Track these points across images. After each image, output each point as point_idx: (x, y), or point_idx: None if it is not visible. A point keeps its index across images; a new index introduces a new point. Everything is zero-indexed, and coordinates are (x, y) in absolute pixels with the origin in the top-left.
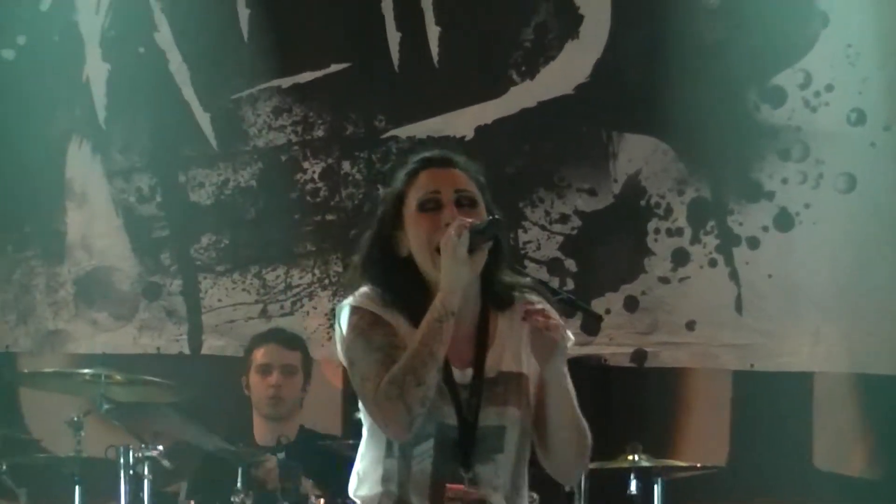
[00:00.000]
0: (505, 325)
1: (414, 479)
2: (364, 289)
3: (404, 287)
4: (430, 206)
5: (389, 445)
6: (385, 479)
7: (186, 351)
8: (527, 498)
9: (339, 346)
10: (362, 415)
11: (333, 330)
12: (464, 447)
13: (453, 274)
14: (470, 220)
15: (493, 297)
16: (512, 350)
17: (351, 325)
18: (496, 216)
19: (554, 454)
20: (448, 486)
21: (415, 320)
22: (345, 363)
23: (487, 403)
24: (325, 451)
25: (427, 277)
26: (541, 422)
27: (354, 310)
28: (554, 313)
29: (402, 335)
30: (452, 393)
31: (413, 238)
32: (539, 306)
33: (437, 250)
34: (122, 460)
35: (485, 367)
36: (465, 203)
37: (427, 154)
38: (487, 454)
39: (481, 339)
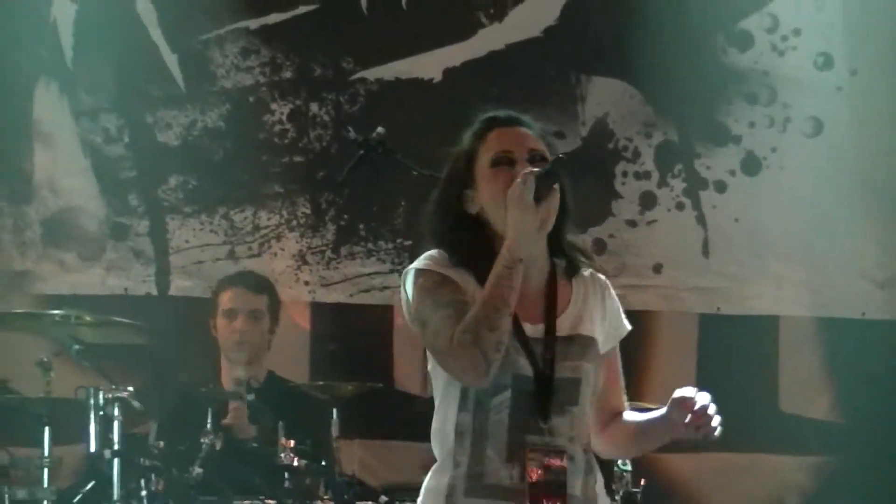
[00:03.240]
0: (579, 292)
1: (491, 430)
2: (429, 252)
3: (473, 244)
4: (504, 160)
5: (464, 399)
6: (459, 433)
7: (154, 292)
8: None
9: (406, 311)
10: (434, 373)
11: (403, 291)
12: (540, 398)
13: (520, 221)
14: (535, 168)
15: (562, 258)
16: (588, 317)
17: (418, 287)
18: (560, 154)
19: (617, 451)
20: (528, 439)
21: (483, 278)
22: (415, 326)
23: (562, 358)
24: (294, 394)
25: (498, 234)
26: (617, 423)
27: (420, 272)
28: (713, 410)
29: (471, 292)
30: (525, 346)
31: (486, 193)
32: (704, 406)
33: None
34: (91, 401)
35: (556, 323)
36: (538, 159)
37: (494, 114)
38: (562, 406)
39: (551, 296)
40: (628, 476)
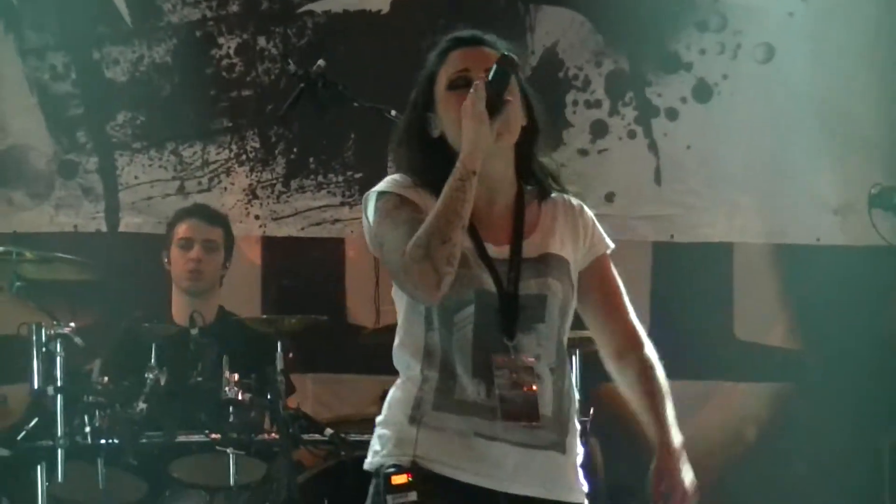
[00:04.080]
0: (547, 215)
1: (456, 346)
2: (392, 176)
3: (435, 166)
4: (461, 83)
5: (429, 319)
6: (427, 350)
7: (104, 229)
8: (571, 373)
9: (367, 234)
10: (396, 295)
11: (365, 216)
12: (504, 314)
13: (472, 132)
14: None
15: (531, 180)
16: (558, 238)
17: (377, 210)
18: (504, 53)
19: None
20: (493, 356)
21: None
22: (374, 249)
23: (528, 276)
24: (239, 328)
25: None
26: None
27: (380, 195)
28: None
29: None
30: (489, 265)
31: (444, 116)
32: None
33: None
34: (34, 338)
35: (523, 244)
36: None
37: (458, 34)
38: (528, 322)
39: (518, 218)
40: (576, 405)
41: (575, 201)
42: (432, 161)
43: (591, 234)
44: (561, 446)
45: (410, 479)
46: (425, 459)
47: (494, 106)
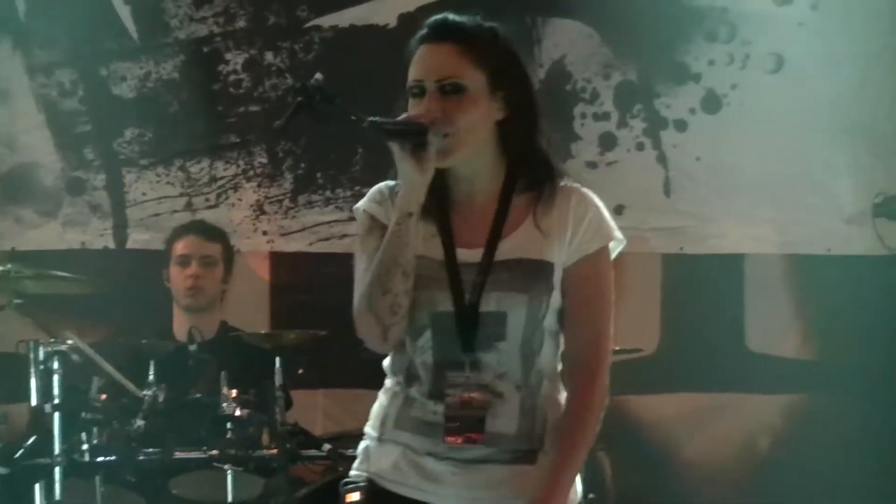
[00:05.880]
0: (540, 208)
1: (420, 366)
2: (378, 185)
3: None
4: (416, 91)
5: (401, 342)
6: (392, 371)
7: (112, 245)
8: (556, 390)
9: None
10: None
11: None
12: (462, 331)
13: (402, 174)
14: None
15: (523, 169)
16: (542, 237)
17: (358, 227)
18: (371, 119)
19: None
20: (449, 374)
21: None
22: None
23: (491, 287)
24: (240, 344)
25: None
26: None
27: (358, 212)
28: None
29: None
30: (452, 275)
31: None
32: None
33: None
34: (32, 355)
35: (499, 244)
36: (448, 90)
37: (430, 22)
38: (489, 341)
39: (499, 216)
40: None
41: (577, 190)
42: None
43: (582, 230)
44: (530, 457)
45: (361, 496)
46: (379, 476)
47: (418, 147)
